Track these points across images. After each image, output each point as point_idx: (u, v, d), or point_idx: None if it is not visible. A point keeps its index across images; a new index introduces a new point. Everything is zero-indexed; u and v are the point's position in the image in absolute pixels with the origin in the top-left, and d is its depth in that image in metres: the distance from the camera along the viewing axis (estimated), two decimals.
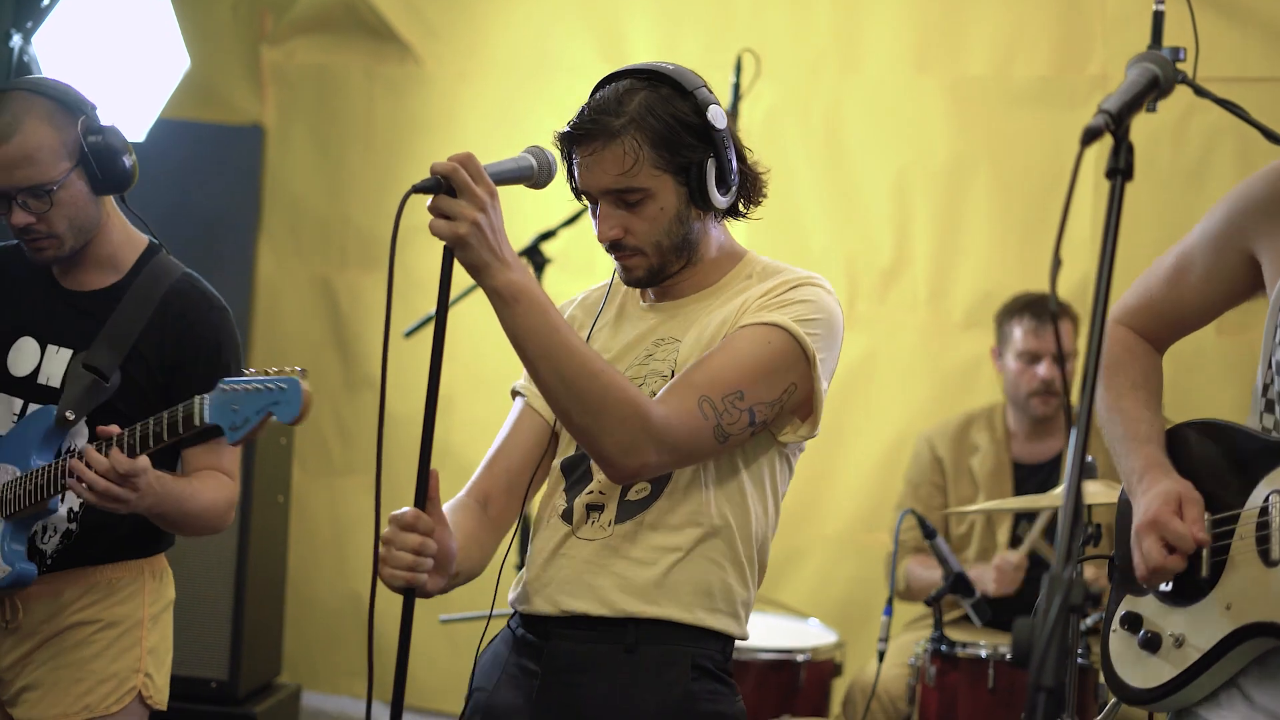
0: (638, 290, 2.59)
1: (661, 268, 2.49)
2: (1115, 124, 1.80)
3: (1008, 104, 5.01)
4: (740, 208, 2.56)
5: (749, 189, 2.55)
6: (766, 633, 4.07)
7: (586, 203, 2.50)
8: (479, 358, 5.34)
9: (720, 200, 2.48)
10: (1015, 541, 4.13)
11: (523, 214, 5.32)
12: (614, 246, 2.47)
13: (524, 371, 2.54)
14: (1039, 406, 4.27)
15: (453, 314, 4.89)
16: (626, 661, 2.44)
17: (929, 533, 3.46)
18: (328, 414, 5.68)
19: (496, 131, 5.49)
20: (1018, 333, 4.30)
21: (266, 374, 2.63)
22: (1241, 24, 4.67)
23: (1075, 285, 4.67)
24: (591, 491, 2.47)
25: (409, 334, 4.83)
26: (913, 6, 5.11)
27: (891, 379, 5.06)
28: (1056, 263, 1.74)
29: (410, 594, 2.23)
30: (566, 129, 2.45)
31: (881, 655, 3.47)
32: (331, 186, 5.64)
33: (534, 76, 5.48)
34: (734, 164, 2.49)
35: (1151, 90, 1.90)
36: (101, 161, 2.92)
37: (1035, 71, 5.01)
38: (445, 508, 2.44)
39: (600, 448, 2.32)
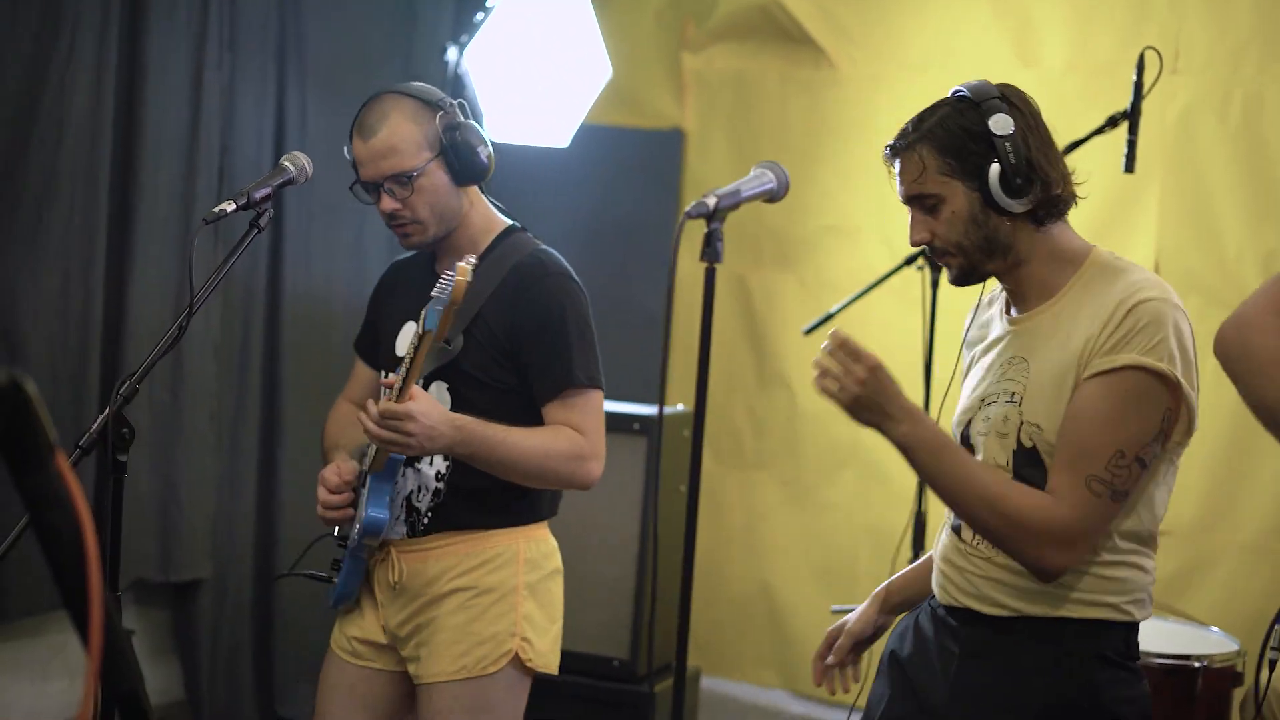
0: (1005, 304, 2.83)
1: (973, 267, 2.72)
2: None
3: None
4: (1052, 210, 2.69)
5: (1047, 192, 2.67)
6: (1163, 639, 3.99)
7: None
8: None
9: (1010, 203, 2.66)
10: None
11: None
12: (928, 249, 2.73)
13: None
14: None
15: (861, 305, 4.95)
16: (1030, 651, 2.66)
17: None
18: (741, 408, 5.83)
19: None
20: None
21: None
22: None
23: None
24: None
25: (808, 332, 4.93)
26: None
27: None
28: None
29: None
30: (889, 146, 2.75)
31: (1274, 665, 3.37)
32: None
33: (946, 76, 5.40)
34: (1024, 168, 2.63)
35: None
36: (460, 154, 3.16)
37: None
38: None
39: (1022, 560, 2.60)
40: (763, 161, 2.63)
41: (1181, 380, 2.54)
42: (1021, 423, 2.64)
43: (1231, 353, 2.30)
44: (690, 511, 2.45)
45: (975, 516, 2.59)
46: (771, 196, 2.62)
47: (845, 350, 2.55)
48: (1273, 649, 3.30)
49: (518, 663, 3.21)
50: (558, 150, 5.37)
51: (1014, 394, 2.66)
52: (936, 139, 2.67)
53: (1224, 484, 4.97)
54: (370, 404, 3.02)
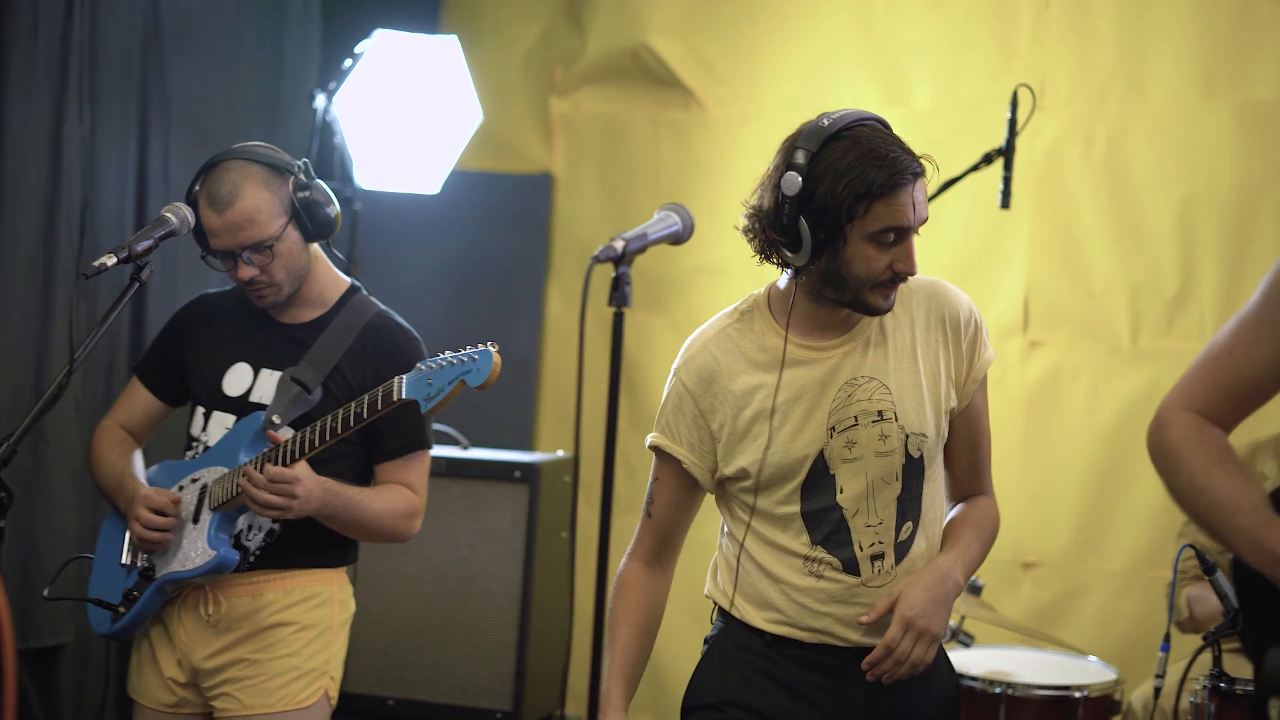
0: (769, 324, 2.82)
1: None
2: None
3: None
4: None
5: None
6: (1045, 670, 4.04)
7: (884, 241, 2.70)
8: None
9: None
10: None
11: None
12: (899, 278, 2.71)
13: (659, 430, 2.88)
14: None
15: None
16: (933, 669, 2.80)
17: (1208, 568, 3.39)
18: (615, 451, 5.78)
19: None
20: None
21: (460, 350, 2.98)
22: None
23: None
24: (873, 544, 2.76)
25: None
26: (1199, 30, 4.98)
27: None
28: None
29: None
30: (895, 173, 2.66)
31: (1158, 691, 3.41)
32: (618, 231, 5.73)
33: (814, 116, 5.52)
34: None
35: None
36: (310, 214, 3.25)
37: None
38: (628, 600, 2.98)
39: None
40: (667, 204, 2.67)
41: None
42: (907, 436, 2.76)
43: (1153, 451, 2.39)
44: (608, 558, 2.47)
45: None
46: (676, 239, 2.65)
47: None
48: (1156, 676, 3.35)
49: (325, 699, 3.33)
50: (428, 196, 5.33)
51: (880, 412, 2.75)
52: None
53: (1094, 514, 5.05)
54: (252, 468, 3.10)
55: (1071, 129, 5.10)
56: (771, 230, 2.74)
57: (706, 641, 2.95)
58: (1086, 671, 4.05)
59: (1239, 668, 3.56)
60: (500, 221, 5.92)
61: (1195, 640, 3.94)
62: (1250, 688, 3.41)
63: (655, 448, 2.89)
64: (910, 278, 2.75)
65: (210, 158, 3.28)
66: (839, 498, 2.75)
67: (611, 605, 2.94)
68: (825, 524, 2.76)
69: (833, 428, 2.74)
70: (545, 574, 4.67)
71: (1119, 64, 5.08)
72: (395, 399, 3.01)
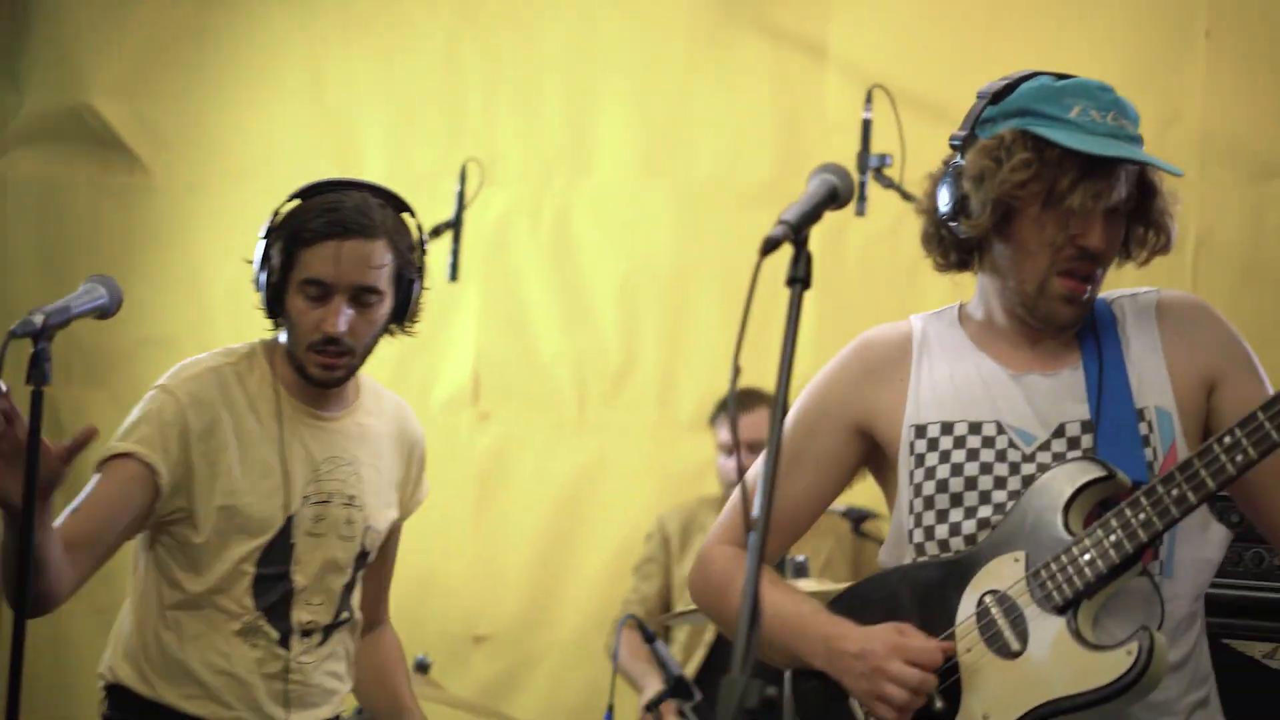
0: (266, 376, 2.74)
1: (354, 370, 2.73)
2: (795, 233, 1.82)
3: (733, 207, 5.09)
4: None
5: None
6: None
7: (309, 294, 2.64)
8: None
9: (411, 322, 2.77)
10: None
11: None
12: (332, 342, 2.63)
13: (136, 439, 2.65)
14: None
15: None
16: None
17: (648, 637, 3.49)
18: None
19: (227, 242, 5.42)
20: (720, 429, 4.58)
21: None
22: (948, 124, 4.80)
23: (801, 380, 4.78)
24: (309, 623, 2.73)
25: None
26: (642, 111, 5.20)
27: (621, 481, 5.09)
28: (735, 370, 1.77)
29: None
30: (328, 222, 2.61)
31: None
32: (56, 299, 5.50)
33: (265, 187, 5.39)
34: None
35: (830, 201, 1.94)
36: None
37: (759, 175, 5.11)
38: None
39: None
40: (92, 276, 2.56)
41: None
42: (367, 528, 2.76)
43: (697, 589, 2.38)
44: None
45: None
46: (104, 312, 2.54)
47: None
48: None
49: None
50: None
51: (352, 496, 2.74)
52: (397, 242, 2.67)
53: (543, 583, 5.14)
54: None
55: (520, 203, 5.21)
56: None
57: None
58: None
59: None
60: None
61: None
62: None
63: (128, 454, 2.65)
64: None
65: None
66: (293, 569, 2.71)
67: None
68: (273, 592, 2.70)
69: (307, 497, 2.71)
70: None
71: (566, 141, 5.22)
72: None
